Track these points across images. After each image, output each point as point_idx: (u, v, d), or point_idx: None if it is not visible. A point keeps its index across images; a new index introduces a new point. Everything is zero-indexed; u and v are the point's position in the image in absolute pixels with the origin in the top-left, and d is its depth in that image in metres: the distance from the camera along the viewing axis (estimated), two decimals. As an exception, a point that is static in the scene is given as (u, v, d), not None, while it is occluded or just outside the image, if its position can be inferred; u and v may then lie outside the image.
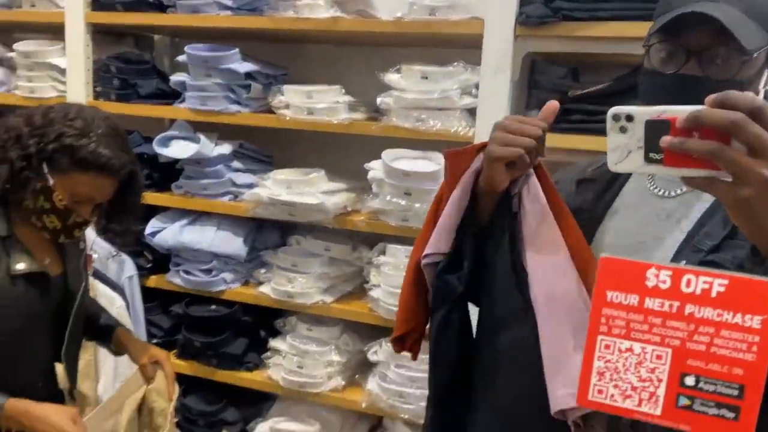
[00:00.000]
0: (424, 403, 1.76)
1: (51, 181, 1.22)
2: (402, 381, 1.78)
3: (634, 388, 0.69)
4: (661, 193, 0.94)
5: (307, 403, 1.99)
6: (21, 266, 1.25)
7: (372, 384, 1.85)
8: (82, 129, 1.22)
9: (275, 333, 2.05)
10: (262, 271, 2.01)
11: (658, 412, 0.68)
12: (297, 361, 1.93)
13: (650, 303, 0.68)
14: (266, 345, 2.03)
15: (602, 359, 0.71)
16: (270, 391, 2.00)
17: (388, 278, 1.79)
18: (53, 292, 1.34)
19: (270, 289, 1.96)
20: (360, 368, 1.99)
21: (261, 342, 2.06)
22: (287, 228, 2.07)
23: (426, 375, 1.81)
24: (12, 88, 2.26)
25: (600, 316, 0.71)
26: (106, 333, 1.52)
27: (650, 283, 0.68)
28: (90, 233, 1.98)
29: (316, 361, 1.92)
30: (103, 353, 1.93)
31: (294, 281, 1.93)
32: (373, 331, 1.94)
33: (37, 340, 1.33)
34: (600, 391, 0.71)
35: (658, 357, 0.68)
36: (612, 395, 0.71)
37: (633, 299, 0.69)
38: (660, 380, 0.68)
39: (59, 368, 1.36)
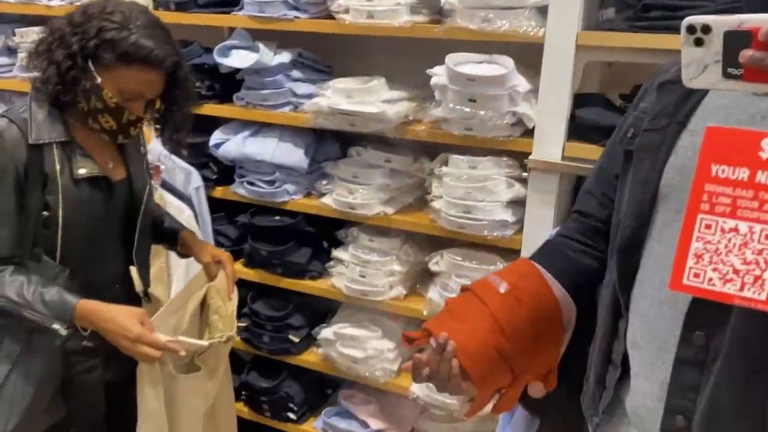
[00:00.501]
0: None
1: (98, 79, 1.23)
2: (463, 290, 1.79)
3: (736, 272, 0.64)
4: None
5: (369, 310, 2.04)
6: (83, 171, 1.29)
7: (433, 293, 1.87)
8: (121, 22, 1.22)
9: (338, 243, 2.08)
10: (324, 182, 2.02)
11: (763, 297, 0.63)
12: (359, 270, 1.96)
13: (763, 177, 0.61)
14: (329, 254, 2.07)
15: (701, 240, 0.65)
16: (333, 299, 2.06)
17: (450, 189, 1.76)
18: (119, 195, 1.38)
19: (332, 200, 1.97)
20: (421, 278, 2.01)
21: (324, 251, 2.10)
22: (347, 139, 2.05)
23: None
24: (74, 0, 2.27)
25: (702, 192, 0.64)
26: (172, 236, 1.57)
27: (765, 155, 0.61)
28: (156, 145, 2.04)
29: (377, 270, 1.94)
30: (175, 260, 2.02)
31: (355, 192, 1.93)
32: (434, 242, 1.94)
33: (109, 244, 1.39)
34: (696, 275, 0.66)
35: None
36: (710, 279, 0.66)
37: (742, 173, 0.62)
38: (767, 263, 0.62)
39: (133, 271, 1.42)
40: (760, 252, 0.62)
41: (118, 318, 1.23)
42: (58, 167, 1.26)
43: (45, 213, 1.25)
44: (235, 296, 1.48)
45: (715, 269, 0.65)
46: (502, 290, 1.04)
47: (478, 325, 1.01)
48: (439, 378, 0.99)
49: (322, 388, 2.26)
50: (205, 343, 1.37)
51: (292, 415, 2.13)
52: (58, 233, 1.27)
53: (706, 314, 0.82)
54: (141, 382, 1.30)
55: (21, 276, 1.23)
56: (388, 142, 1.97)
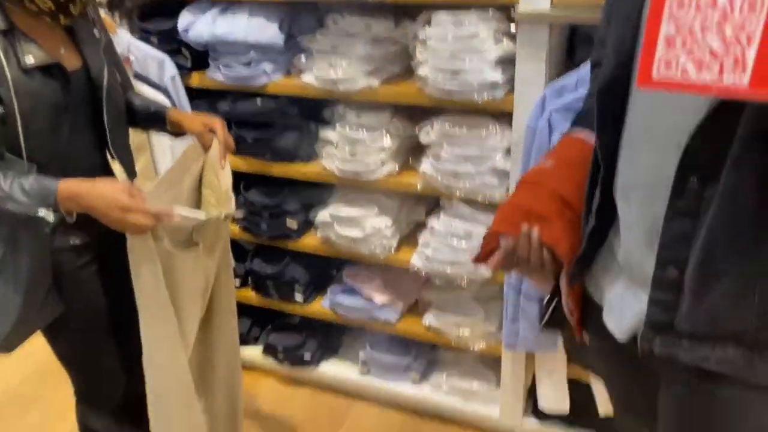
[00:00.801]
0: (478, 181, 1.74)
1: None
2: (455, 159, 1.73)
3: (713, 54, 0.54)
4: None
5: (365, 189, 2.00)
6: (31, 59, 1.20)
7: (426, 165, 1.81)
8: None
9: (324, 123, 2.00)
10: (303, 58, 1.90)
11: (745, 81, 0.53)
12: (349, 149, 1.89)
13: None
14: (317, 136, 2.00)
15: (672, 21, 0.54)
16: (326, 181, 2.01)
17: (436, 53, 1.65)
18: (76, 84, 1.30)
19: (313, 78, 1.86)
20: (413, 151, 1.94)
21: (311, 133, 2.03)
22: (323, 10, 1.90)
23: (479, 154, 1.75)
24: None
25: None
26: (159, 116, 1.50)
27: None
28: (124, 35, 1.92)
29: (368, 148, 1.88)
30: (160, 154, 1.97)
31: (336, 66, 1.82)
32: (423, 112, 1.86)
33: (79, 138, 1.32)
34: (668, 64, 0.56)
35: (751, 7, 0.51)
36: (684, 69, 0.56)
37: None
38: (750, 40, 0.52)
39: (113, 163, 1.37)
40: (742, 27, 0.51)
41: (104, 191, 1.17)
42: (2, 58, 1.17)
43: None
44: (228, 167, 1.41)
45: (689, 55, 0.54)
46: (549, 165, 1.03)
47: (547, 208, 0.99)
48: (532, 267, 0.99)
49: (327, 270, 2.29)
50: (201, 216, 1.29)
51: (299, 297, 2.17)
52: (18, 129, 1.21)
53: (700, 159, 0.77)
54: (133, 259, 1.25)
55: None
56: (367, 7, 1.83)
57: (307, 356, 2.23)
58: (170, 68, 1.97)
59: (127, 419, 1.63)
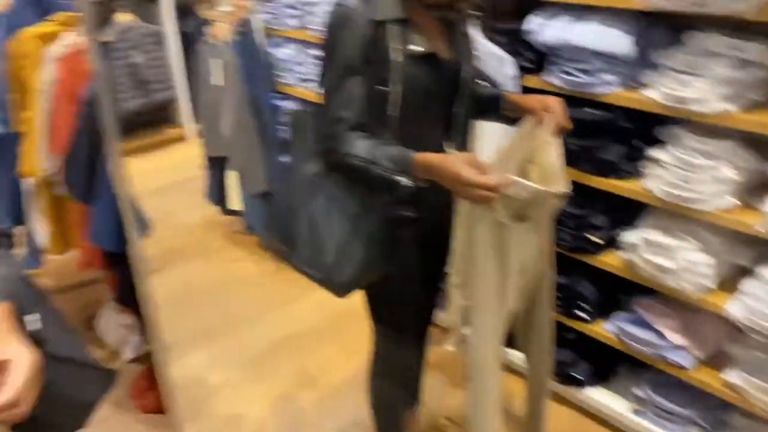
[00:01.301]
0: None
1: None
2: (823, 206, 1.51)
3: None
4: None
5: (683, 219, 1.85)
6: (417, 47, 1.35)
7: (775, 206, 1.61)
8: None
9: (653, 142, 1.90)
10: (649, 73, 1.82)
11: None
12: (682, 174, 1.77)
13: None
14: (641, 154, 1.90)
15: None
16: (644, 202, 1.91)
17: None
18: (445, 73, 1.42)
19: (659, 93, 1.77)
20: (758, 190, 1.74)
21: (636, 150, 1.94)
22: (682, 26, 1.79)
23: None
24: None
25: None
26: (497, 99, 1.59)
27: None
28: (473, 31, 2.04)
29: (704, 176, 1.73)
30: (485, 143, 2.06)
31: (688, 85, 1.70)
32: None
33: (436, 124, 1.45)
34: None
35: None
36: None
37: None
38: None
39: (450, 149, 1.47)
40: None
41: (452, 166, 1.25)
42: (398, 45, 1.32)
43: (381, 87, 1.34)
44: (558, 144, 1.41)
45: None
46: None
47: None
48: None
49: (614, 293, 2.18)
50: (539, 187, 1.30)
51: (583, 314, 2.11)
52: (392, 109, 1.35)
53: None
54: (471, 226, 1.31)
55: (369, 140, 1.35)
56: (736, 26, 1.67)
57: (577, 376, 2.16)
58: (512, 68, 2.04)
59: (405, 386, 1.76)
